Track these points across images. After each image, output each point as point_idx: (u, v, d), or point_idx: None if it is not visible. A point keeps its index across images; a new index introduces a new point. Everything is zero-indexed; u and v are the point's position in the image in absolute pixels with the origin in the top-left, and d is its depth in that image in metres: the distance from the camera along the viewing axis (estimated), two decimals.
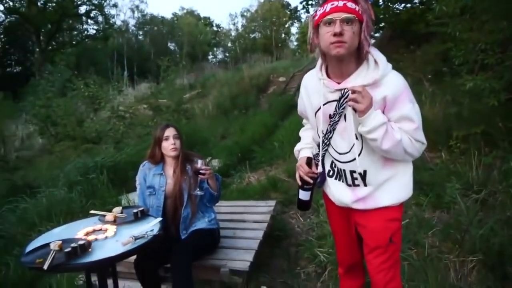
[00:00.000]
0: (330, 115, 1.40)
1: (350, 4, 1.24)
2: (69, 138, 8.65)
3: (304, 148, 1.64)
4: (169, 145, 2.29)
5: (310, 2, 11.73)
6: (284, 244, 3.10)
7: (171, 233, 2.31)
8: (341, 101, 1.35)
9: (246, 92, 11.43)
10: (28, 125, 11.61)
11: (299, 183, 1.56)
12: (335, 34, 1.23)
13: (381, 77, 1.30)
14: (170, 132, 2.31)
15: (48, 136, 9.75)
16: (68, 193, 3.85)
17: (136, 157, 5.17)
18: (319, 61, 1.41)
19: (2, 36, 27.37)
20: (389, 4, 9.97)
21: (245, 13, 39.48)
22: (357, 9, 1.24)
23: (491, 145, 3.87)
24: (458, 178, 3.42)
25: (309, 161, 1.54)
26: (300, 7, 12.62)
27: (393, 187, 1.42)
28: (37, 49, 24.99)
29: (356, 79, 1.31)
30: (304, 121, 1.74)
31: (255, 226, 2.80)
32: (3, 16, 25.75)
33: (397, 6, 9.99)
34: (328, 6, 1.25)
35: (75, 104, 9.76)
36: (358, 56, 1.32)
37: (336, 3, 1.24)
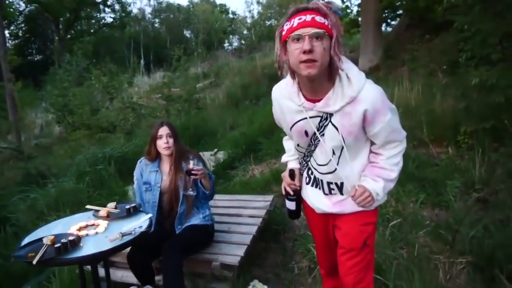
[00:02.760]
0: (306, 131, 1.40)
1: (319, 18, 1.17)
2: (84, 127, 8.89)
3: (291, 161, 1.66)
4: (162, 144, 2.35)
5: None
6: (281, 238, 3.14)
7: (166, 227, 2.39)
8: (322, 119, 1.34)
9: (258, 81, 11.32)
10: (46, 114, 11.96)
11: (283, 192, 1.62)
12: (304, 52, 1.16)
13: (358, 93, 1.27)
14: (163, 130, 2.36)
15: (65, 125, 10.03)
16: (76, 184, 3.98)
17: (145, 148, 5.29)
18: (290, 81, 1.35)
19: (22, 25, 28.03)
20: None
21: (261, 0, 39.02)
22: (326, 23, 1.18)
23: (500, 142, 3.78)
24: (462, 175, 3.37)
25: (291, 173, 1.59)
26: None
27: None
28: (56, 38, 25.53)
29: (336, 102, 1.28)
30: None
31: (250, 221, 2.85)
32: (23, 5, 26.34)
33: None
34: (295, 21, 1.18)
35: (91, 94, 9.97)
36: (330, 73, 1.27)
37: (304, 17, 1.17)
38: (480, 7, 3.79)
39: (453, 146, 4.18)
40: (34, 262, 1.52)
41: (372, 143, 1.43)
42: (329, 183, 1.47)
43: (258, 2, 39.07)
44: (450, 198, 2.93)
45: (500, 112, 3.62)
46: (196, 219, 2.40)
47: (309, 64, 1.18)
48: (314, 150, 1.44)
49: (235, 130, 7.18)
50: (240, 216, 2.98)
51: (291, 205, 1.61)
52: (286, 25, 1.22)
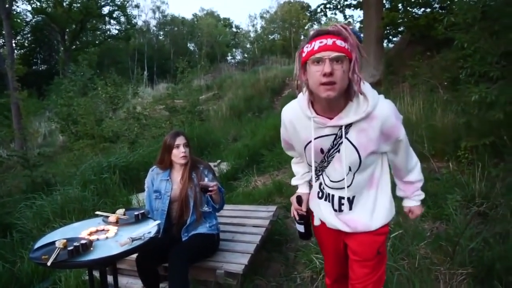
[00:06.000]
0: (321, 149, 1.40)
1: (340, 42, 1.20)
2: (88, 137, 8.96)
3: (301, 185, 1.70)
4: (180, 153, 2.39)
5: (328, 6, 11.77)
6: (284, 248, 3.18)
7: (173, 235, 2.43)
8: (337, 137, 1.36)
9: (261, 94, 11.51)
10: (50, 123, 12.07)
11: (292, 216, 1.68)
12: (325, 74, 1.19)
13: (373, 108, 1.29)
14: (180, 140, 2.41)
15: (68, 134, 10.12)
16: (82, 192, 4.04)
17: (148, 157, 5.36)
18: (303, 97, 1.38)
19: (29, 35, 28.49)
20: (408, 8, 9.89)
21: (264, 15, 39.69)
22: (346, 46, 1.20)
23: (500, 157, 3.84)
24: (462, 189, 3.42)
25: (298, 199, 1.63)
26: (318, 10, 12.69)
27: (380, 212, 1.48)
28: (62, 48, 25.91)
29: (348, 115, 1.31)
30: (289, 152, 1.72)
31: (254, 231, 2.90)
32: (30, 16, 26.83)
33: (416, 11, 9.91)
34: (316, 44, 1.21)
35: (95, 104, 10.09)
36: (347, 93, 1.28)
37: (325, 41, 1.20)
38: (478, 26, 3.91)
39: (454, 160, 4.25)
40: (49, 263, 1.57)
41: (393, 163, 1.52)
42: (340, 198, 1.48)
43: (261, 17, 39.72)
44: (451, 211, 2.98)
45: (500, 128, 3.70)
46: (203, 228, 2.44)
47: (329, 86, 1.21)
48: (326, 166, 1.45)
49: (238, 141, 7.27)
50: (244, 225, 3.02)
51: (300, 227, 1.67)
52: (307, 47, 1.25)
